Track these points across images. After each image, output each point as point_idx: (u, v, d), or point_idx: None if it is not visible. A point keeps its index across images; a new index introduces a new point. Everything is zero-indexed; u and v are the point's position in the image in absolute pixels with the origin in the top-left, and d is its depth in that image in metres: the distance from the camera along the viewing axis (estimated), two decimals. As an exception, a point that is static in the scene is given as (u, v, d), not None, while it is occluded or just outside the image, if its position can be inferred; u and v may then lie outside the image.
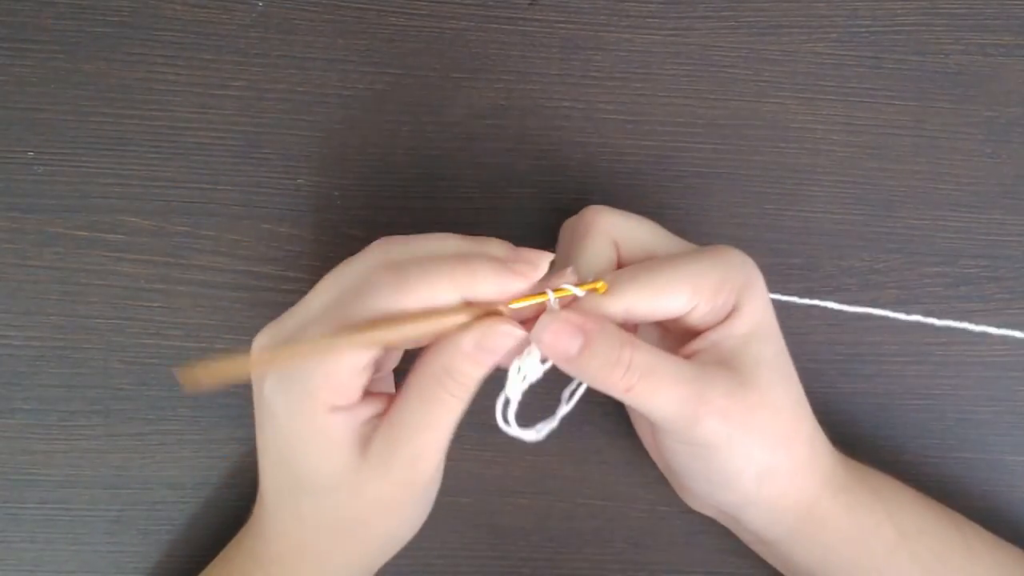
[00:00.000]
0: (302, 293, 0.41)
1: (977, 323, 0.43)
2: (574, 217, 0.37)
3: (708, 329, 0.35)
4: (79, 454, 0.40)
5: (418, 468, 0.33)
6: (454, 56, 0.42)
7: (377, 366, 0.35)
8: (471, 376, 0.33)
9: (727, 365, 0.34)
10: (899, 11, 0.44)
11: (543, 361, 0.34)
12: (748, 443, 0.34)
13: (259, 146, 0.42)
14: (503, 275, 0.32)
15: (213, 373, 0.31)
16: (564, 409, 0.36)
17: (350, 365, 0.32)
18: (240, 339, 0.41)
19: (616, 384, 0.33)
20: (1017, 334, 0.39)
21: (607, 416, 0.42)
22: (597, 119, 0.43)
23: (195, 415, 0.41)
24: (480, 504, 0.42)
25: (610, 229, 0.36)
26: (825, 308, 0.40)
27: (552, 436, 0.42)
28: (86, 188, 0.41)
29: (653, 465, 0.42)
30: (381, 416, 0.34)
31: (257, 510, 0.37)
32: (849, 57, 0.43)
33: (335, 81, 0.42)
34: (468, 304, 0.33)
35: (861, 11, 0.44)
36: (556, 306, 0.33)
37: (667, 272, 0.34)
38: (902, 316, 0.39)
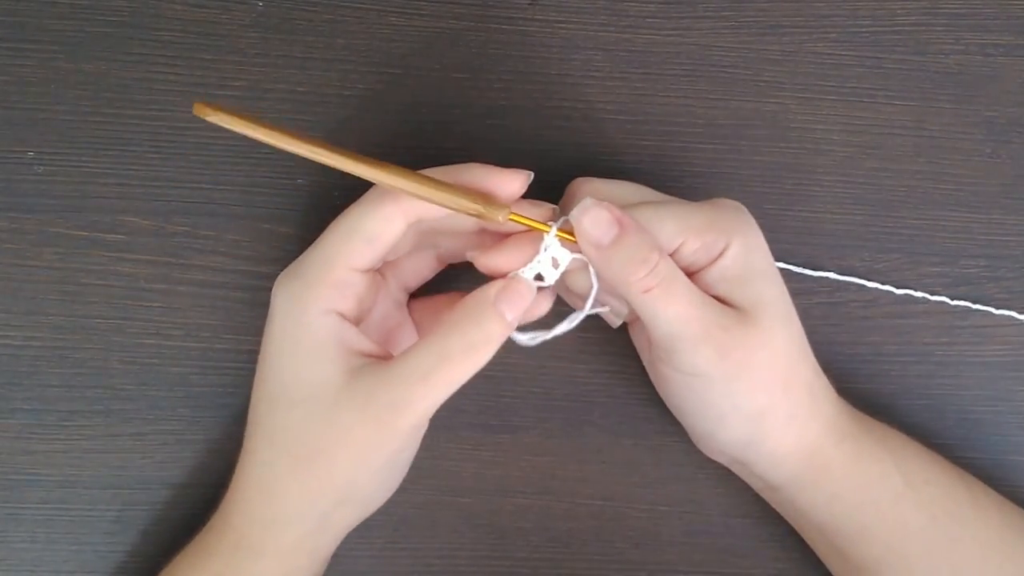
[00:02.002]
0: (302, 293, 0.41)
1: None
2: None
3: (700, 270, 0.36)
4: (79, 454, 0.40)
5: (398, 416, 0.33)
6: (454, 56, 0.42)
7: (366, 311, 0.36)
8: (490, 332, 0.33)
9: (729, 304, 0.35)
10: (899, 11, 0.44)
11: (554, 265, 0.35)
12: (742, 380, 0.35)
13: (259, 146, 0.41)
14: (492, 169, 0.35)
15: (226, 113, 0.32)
16: (563, 326, 0.36)
17: (347, 261, 0.34)
18: (240, 339, 0.41)
19: (637, 282, 0.34)
20: (1016, 315, 0.39)
21: (607, 416, 0.42)
22: (597, 119, 0.43)
23: (195, 415, 0.41)
24: (480, 504, 0.42)
25: (592, 195, 0.36)
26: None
27: (552, 436, 0.42)
28: (86, 188, 0.41)
29: (653, 465, 0.42)
30: (379, 359, 0.34)
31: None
32: (849, 57, 0.43)
33: (335, 81, 0.42)
34: (483, 196, 0.34)
35: (861, 11, 0.44)
36: (555, 240, 0.35)
37: (655, 207, 0.35)
38: (893, 290, 0.40)
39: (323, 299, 0.34)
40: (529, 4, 0.43)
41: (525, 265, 0.35)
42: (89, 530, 0.40)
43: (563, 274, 0.35)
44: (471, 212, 0.34)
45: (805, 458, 0.37)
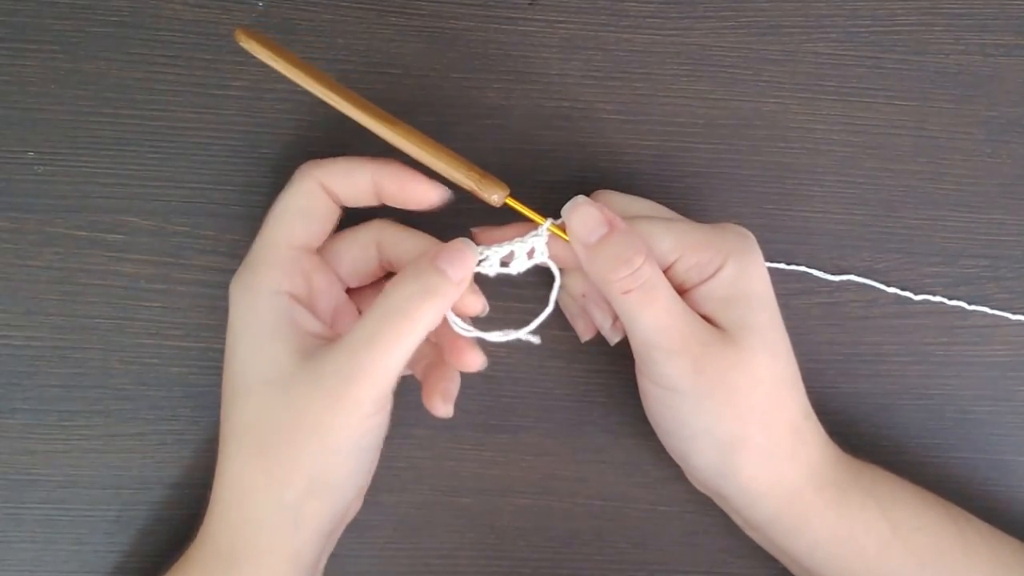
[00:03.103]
0: (302, 293, 0.41)
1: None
2: None
3: (693, 288, 0.36)
4: (79, 454, 0.40)
5: (350, 386, 0.32)
6: (454, 56, 0.42)
7: (313, 303, 0.36)
8: (428, 284, 0.33)
9: (715, 324, 0.35)
10: (899, 11, 0.44)
11: (503, 264, 0.36)
12: (716, 401, 0.35)
13: (259, 146, 0.42)
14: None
15: (265, 45, 0.35)
16: (497, 336, 0.36)
17: (287, 240, 0.35)
18: (240, 339, 0.41)
19: (617, 282, 0.34)
20: (1015, 316, 0.40)
21: (607, 416, 0.42)
22: (597, 119, 0.43)
23: (195, 415, 0.41)
24: (480, 504, 0.42)
25: (606, 204, 0.37)
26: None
27: (552, 436, 0.42)
28: (86, 188, 0.41)
29: (653, 465, 0.42)
30: (332, 341, 0.34)
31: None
32: (849, 57, 0.43)
33: (335, 81, 0.42)
34: (479, 173, 0.36)
35: (861, 11, 0.44)
36: (546, 234, 0.36)
37: (656, 221, 0.36)
38: (882, 287, 0.40)
39: (271, 280, 0.35)
40: (529, 4, 0.43)
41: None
42: (89, 530, 0.40)
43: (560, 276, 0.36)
44: (464, 185, 0.36)
45: (784, 502, 0.36)
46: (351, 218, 0.38)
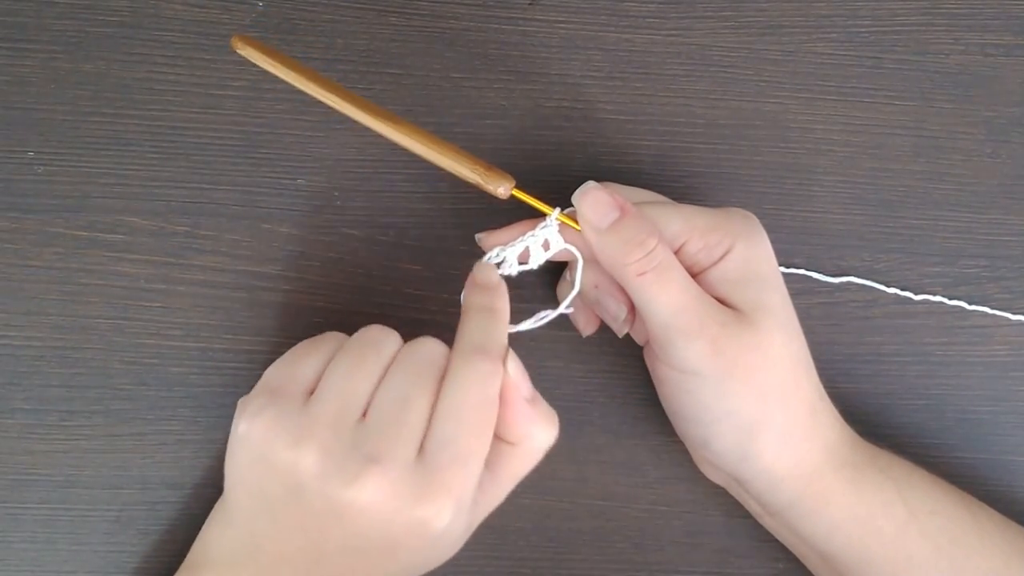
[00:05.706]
0: (302, 293, 0.41)
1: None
2: None
3: (703, 272, 0.36)
4: (79, 454, 0.40)
5: None
6: (454, 56, 0.42)
7: None
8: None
9: (729, 305, 0.35)
10: (899, 11, 0.44)
11: (522, 262, 0.36)
12: (736, 382, 0.35)
13: (259, 146, 0.42)
14: None
15: (263, 51, 0.35)
16: (528, 323, 0.36)
17: None
18: (240, 339, 0.41)
19: (632, 265, 0.34)
20: (1015, 316, 0.40)
21: (607, 416, 0.42)
22: (597, 119, 0.43)
23: (195, 415, 0.41)
24: (480, 504, 0.42)
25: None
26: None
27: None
28: (86, 188, 0.41)
29: (653, 465, 0.42)
30: None
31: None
32: (849, 57, 0.43)
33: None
34: (484, 167, 0.36)
35: (861, 11, 0.44)
36: (555, 223, 0.36)
37: (663, 206, 0.36)
38: (882, 287, 0.40)
39: None
40: (529, 4, 0.43)
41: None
42: (89, 530, 0.40)
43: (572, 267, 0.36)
44: (470, 179, 0.36)
45: (804, 483, 0.36)
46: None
